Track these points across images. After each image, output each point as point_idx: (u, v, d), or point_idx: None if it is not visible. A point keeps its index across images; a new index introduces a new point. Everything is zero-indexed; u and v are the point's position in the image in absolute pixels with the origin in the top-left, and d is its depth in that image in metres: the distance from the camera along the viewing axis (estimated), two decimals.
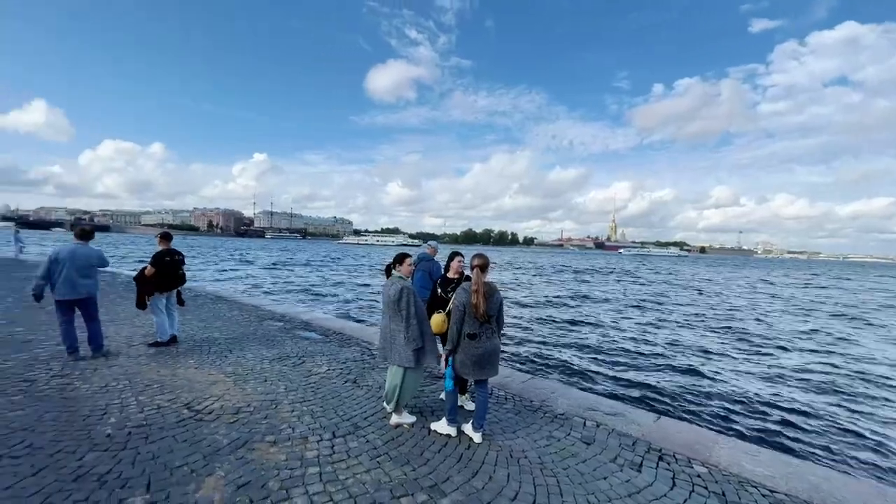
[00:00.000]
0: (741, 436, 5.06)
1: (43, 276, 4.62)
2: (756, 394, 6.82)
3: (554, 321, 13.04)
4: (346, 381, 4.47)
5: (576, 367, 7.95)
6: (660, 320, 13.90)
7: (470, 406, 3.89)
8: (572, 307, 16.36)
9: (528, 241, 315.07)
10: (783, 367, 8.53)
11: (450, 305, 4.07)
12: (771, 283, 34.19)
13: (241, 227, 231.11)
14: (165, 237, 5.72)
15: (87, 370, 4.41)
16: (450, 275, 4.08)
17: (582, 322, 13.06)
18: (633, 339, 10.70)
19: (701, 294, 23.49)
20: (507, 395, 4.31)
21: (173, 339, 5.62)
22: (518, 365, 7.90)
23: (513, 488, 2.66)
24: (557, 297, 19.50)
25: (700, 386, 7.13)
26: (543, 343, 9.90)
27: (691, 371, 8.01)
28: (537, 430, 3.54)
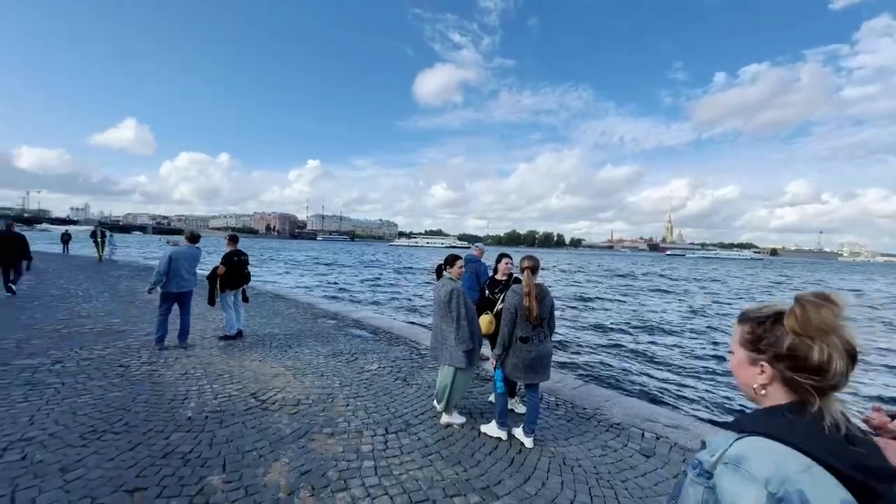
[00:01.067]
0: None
1: (163, 272, 5.33)
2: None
3: (608, 326, 12.49)
4: (396, 379, 4.59)
5: (632, 375, 7.54)
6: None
7: (520, 409, 3.83)
8: (628, 311, 15.56)
9: (576, 243, 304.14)
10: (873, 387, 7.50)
11: (498, 307, 4.05)
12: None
13: (294, 230, 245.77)
14: (233, 239, 6.24)
15: (169, 359, 4.91)
16: (498, 276, 4.06)
17: (640, 327, 12.38)
18: (700, 348, 9.96)
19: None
20: (558, 401, 4.20)
21: (239, 334, 6.10)
22: (570, 370, 7.65)
23: (567, 497, 2.59)
24: (612, 300, 18.65)
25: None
26: (598, 348, 9.51)
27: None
28: (591, 438, 3.42)
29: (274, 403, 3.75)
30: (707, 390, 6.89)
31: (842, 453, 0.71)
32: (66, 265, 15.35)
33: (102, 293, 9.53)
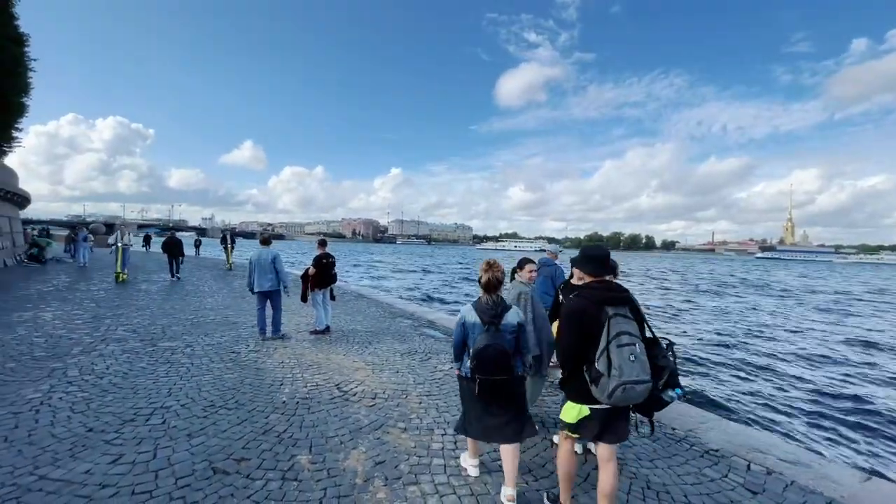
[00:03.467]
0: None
1: (249, 275, 6.20)
2: None
3: (710, 339, 11.08)
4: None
5: (738, 396, 6.58)
6: (875, 346, 10.47)
7: None
8: (741, 322, 13.62)
9: (669, 246, 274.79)
10: None
11: None
12: None
13: (377, 235, 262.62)
14: (322, 243, 6.89)
15: (270, 348, 5.60)
16: (574, 280, 3.86)
17: (751, 342, 10.76)
18: (830, 367, 8.31)
19: None
20: (642, 419, 3.83)
21: (327, 329, 6.70)
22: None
23: None
24: (720, 310, 16.50)
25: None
26: (696, 363, 8.48)
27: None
28: (681, 463, 3.05)
29: (354, 395, 4.05)
30: (831, 425, 5.71)
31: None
32: (197, 266, 18.42)
33: (222, 289, 11.24)
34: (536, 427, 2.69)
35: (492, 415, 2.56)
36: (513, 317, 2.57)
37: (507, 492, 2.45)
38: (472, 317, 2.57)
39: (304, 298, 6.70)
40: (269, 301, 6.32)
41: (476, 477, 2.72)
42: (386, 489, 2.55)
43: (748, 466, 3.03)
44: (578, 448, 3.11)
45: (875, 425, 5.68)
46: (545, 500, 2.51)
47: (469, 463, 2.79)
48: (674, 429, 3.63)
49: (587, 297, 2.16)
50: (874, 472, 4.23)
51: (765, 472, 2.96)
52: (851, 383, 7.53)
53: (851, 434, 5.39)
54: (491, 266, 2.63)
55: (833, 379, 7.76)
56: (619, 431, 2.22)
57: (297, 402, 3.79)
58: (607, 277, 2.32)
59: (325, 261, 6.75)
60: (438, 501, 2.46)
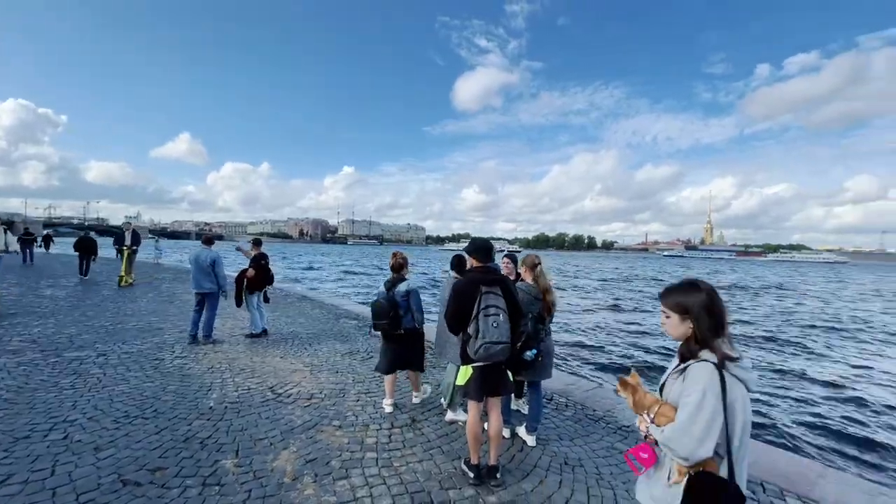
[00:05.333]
0: (860, 472, 4.19)
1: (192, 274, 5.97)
2: (887, 422, 5.58)
3: (630, 330, 12.10)
4: (408, 377, 4.69)
5: (654, 381, 7.29)
6: (773, 334, 12.06)
7: (526, 410, 3.83)
8: (647, 315, 14.97)
9: (608, 246, 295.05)
10: None
11: None
12: None
13: (326, 235, 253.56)
14: (257, 243, 6.60)
15: (199, 353, 5.26)
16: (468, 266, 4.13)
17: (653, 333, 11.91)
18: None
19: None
20: (568, 403, 4.16)
21: (265, 332, 6.42)
22: (584, 374, 7.49)
23: (563, 495, 2.58)
24: (635, 304, 18.00)
25: (811, 410, 6.05)
26: (615, 353, 9.24)
27: (804, 393, 6.83)
28: (597, 440, 3.37)
29: (289, 397, 3.95)
30: None
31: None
32: (118, 269, 16.62)
33: (147, 294, 10.29)
34: (419, 368, 3.89)
35: (387, 352, 3.75)
36: (402, 287, 3.70)
37: (388, 400, 3.74)
38: (381, 287, 3.79)
39: (238, 302, 6.37)
40: (205, 304, 5.95)
41: (389, 413, 3.64)
42: (315, 486, 2.55)
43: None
44: (506, 432, 3.31)
45: (756, 394, 6.59)
46: (462, 465, 2.79)
47: (386, 402, 3.76)
48: (594, 410, 3.98)
49: (468, 278, 2.70)
50: (758, 437, 4.91)
51: None
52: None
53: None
54: (394, 255, 3.87)
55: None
56: (499, 387, 2.68)
57: (226, 407, 3.62)
58: (489, 264, 2.80)
59: (262, 261, 6.48)
60: (368, 493, 2.50)
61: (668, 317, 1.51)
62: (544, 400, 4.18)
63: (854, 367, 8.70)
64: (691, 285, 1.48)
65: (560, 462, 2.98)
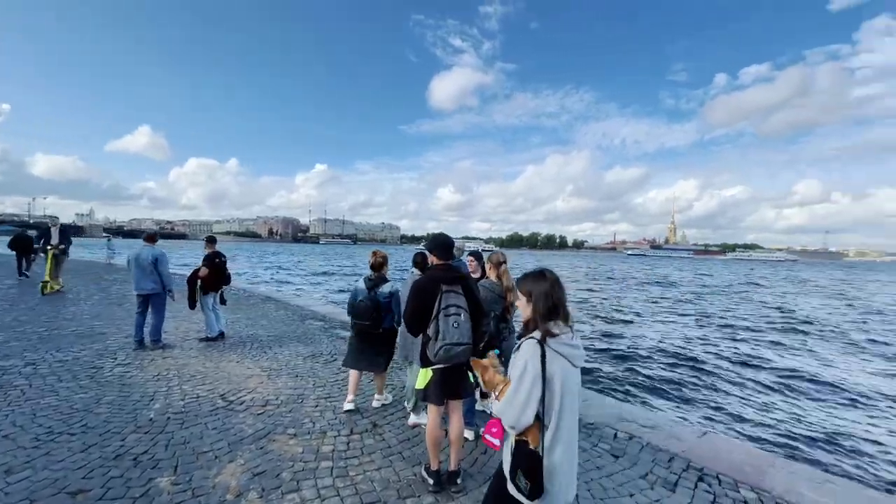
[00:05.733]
0: (805, 461, 4.40)
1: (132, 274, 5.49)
2: (832, 413, 5.93)
3: (597, 327, 12.38)
4: (371, 381, 4.51)
5: (614, 376, 7.44)
6: (724, 329, 12.66)
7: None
8: (617, 315, 15.42)
9: (578, 245, 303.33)
10: (867, 384, 7.35)
11: None
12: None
13: (297, 234, 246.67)
14: (211, 241, 6.21)
15: (145, 360, 4.87)
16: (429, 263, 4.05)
17: (627, 332, 12.26)
18: (689, 349, 9.83)
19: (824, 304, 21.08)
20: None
21: (221, 336, 6.05)
22: None
23: None
24: (604, 302, 18.51)
25: (764, 401, 6.35)
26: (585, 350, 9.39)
27: (756, 385, 7.16)
28: None
29: (241, 404, 3.69)
30: (695, 391, 6.78)
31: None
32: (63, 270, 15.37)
33: (93, 296, 9.53)
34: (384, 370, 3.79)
35: (357, 350, 3.71)
36: (386, 288, 3.65)
37: (349, 397, 3.70)
38: (361, 285, 3.68)
39: (192, 304, 5.96)
40: (149, 306, 5.52)
41: (348, 411, 3.59)
42: (260, 501, 2.35)
43: (615, 435, 3.42)
44: (470, 435, 3.22)
45: (714, 388, 6.87)
46: (422, 471, 2.66)
47: (347, 401, 3.69)
48: None
49: (429, 276, 2.59)
50: (714, 429, 5.07)
51: (627, 438, 3.36)
52: (692, 353, 9.02)
53: (697, 396, 6.43)
54: (374, 253, 3.76)
55: (682, 351, 9.21)
56: (460, 389, 2.56)
57: (168, 418, 3.33)
58: (451, 262, 2.70)
59: (217, 260, 6.10)
60: None
61: (520, 300, 1.69)
62: None
63: (812, 362, 9.24)
64: (539, 274, 1.65)
65: None
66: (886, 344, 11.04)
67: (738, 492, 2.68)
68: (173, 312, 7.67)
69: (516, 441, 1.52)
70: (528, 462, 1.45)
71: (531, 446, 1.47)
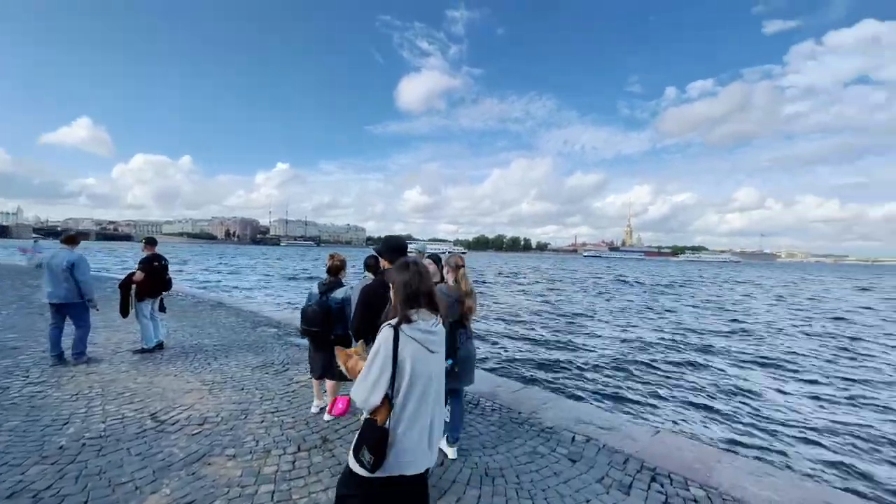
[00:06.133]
0: (749, 453, 4.64)
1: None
2: (773, 404, 6.35)
3: (561, 330, 12.65)
4: (325, 391, 4.27)
5: (574, 376, 7.58)
6: (680, 329, 13.34)
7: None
8: (581, 317, 15.88)
9: (542, 247, 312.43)
10: (805, 376, 7.98)
11: None
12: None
13: (257, 236, 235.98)
14: (151, 242, 5.69)
15: (64, 377, 4.33)
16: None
17: (589, 332, 12.63)
18: (649, 347, 10.24)
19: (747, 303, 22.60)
20: (494, 407, 4.05)
21: (160, 346, 5.54)
22: (515, 374, 7.56)
23: None
24: (561, 301, 19.03)
25: (713, 395, 6.69)
26: (545, 351, 9.54)
27: (705, 380, 7.55)
28: (520, 445, 3.27)
29: (174, 424, 3.34)
30: (653, 389, 7.03)
31: None
32: None
33: (11, 304, 8.50)
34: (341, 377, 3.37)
35: (314, 359, 3.63)
36: (339, 293, 3.49)
37: (315, 402, 3.71)
38: (315, 290, 3.58)
39: (124, 312, 5.40)
40: (67, 317, 4.91)
41: (314, 413, 3.60)
42: None
43: (573, 438, 3.40)
44: (451, 452, 3.08)
45: (667, 384, 7.17)
46: None
47: (314, 405, 3.70)
48: (519, 413, 3.90)
49: (379, 281, 2.48)
50: (667, 427, 5.23)
51: (585, 441, 3.36)
52: (647, 351, 9.43)
53: (652, 392, 6.68)
54: (332, 256, 3.68)
55: (636, 348, 9.61)
56: None
57: (84, 445, 2.94)
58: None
59: (156, 263, 5.57)
60: None
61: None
62: (470, 405, 4.05)
63: (759, 358, 9.88)
64: (403, 265, 1.74)
65: (480, 474, 2.82)
66: (830, 338, 12.08)
67: (689, 490, 2.73)
68: (106, 322, 6.98)
69: (366, 419, 1.60)
70: (375, 438, 1.52)
71: (379, 423, 1.55)
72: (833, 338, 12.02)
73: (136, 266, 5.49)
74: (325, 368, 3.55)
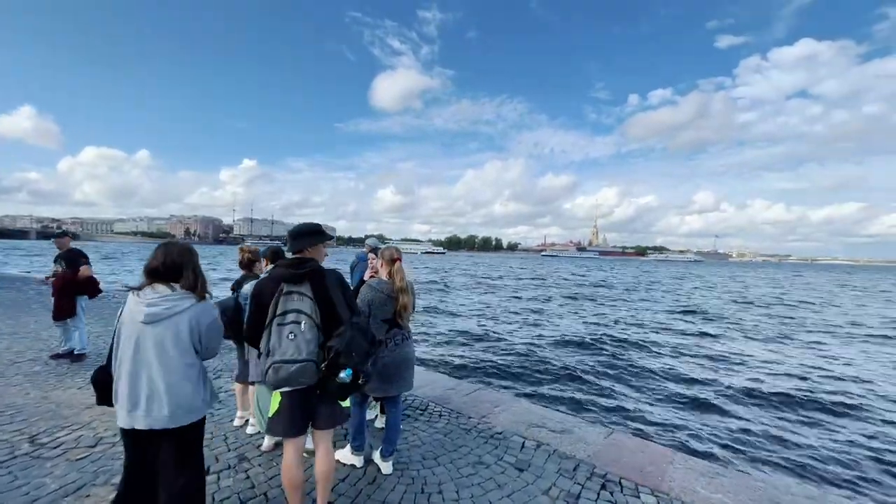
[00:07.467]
0: (702, 453, 4.59)
1: None
2: (729, 401, 6.45)
3: (520, 330, 12.59)
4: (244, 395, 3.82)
5: (529, 375, 7.44)
6: (638, 327, 13.61)
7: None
8: (542, 315, 15.96)
9: (513, 247, 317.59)
10: (760, 374, 8.24)
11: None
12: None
13: (219, 235, 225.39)
14: (63, 236, 5.02)
15: None
16: (366, 276, 3.51)
17: (544, 330, 12.65)
18: (606, 346, 10.30)
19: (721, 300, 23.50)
20: (443, 412, 3.75)
21: (70, 354, 4.87)
22: (472, 377, 7.31)
23: None
24: (533, 304, 19.13)
25: (667, 393, 6.72)
26: (504, 351, 9.37)
27: (659, 378, 7.61)
28: (466, 454, 2.99)
29: (57, 447, 2.81)
30: (610, 388, 6.98)
31: None
32: None
33: None
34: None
35: (239, 359, 3.27)
36: (247, 288, 2.93)
37: (238, 412, 3.35)
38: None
39: (60, 314, 4.77)
40: None
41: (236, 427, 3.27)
42: None
43: (523, 444, 3.16)
44: (358, 460, 2.74)
45: (622, 381, 7.17)
46: None
47: (237, 416, 3.36)
48: (469, 417, 3.63)
49: (270, 275, 2.06)
50: (621, 427, 5.13)
51: (535, 447, 3.12)
52: (605, 348, 9.51)
53: (606, 391, 6.64)
54: (241, 250, 3.42)
55: (596, 346, 9.67)
56: (319, 418, 2.01)
57: None
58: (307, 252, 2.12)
59: (84, 261, 4.93)
60: None
61: None
62: (417, 411, 3.74)
63: (717, 353, 10.15)
64: (190, 251, 1.90)
65: (416, 490, 2.51)
66: (780, 336, 12.66)
67: (639, 497, 2.54)
68: (14, 328, 6.14)
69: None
70: (102, 380, 1.80)
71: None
72: (788, 338, 12.65)
73: (56, 262, 4.88)
74: (242, 371, 3.18)
